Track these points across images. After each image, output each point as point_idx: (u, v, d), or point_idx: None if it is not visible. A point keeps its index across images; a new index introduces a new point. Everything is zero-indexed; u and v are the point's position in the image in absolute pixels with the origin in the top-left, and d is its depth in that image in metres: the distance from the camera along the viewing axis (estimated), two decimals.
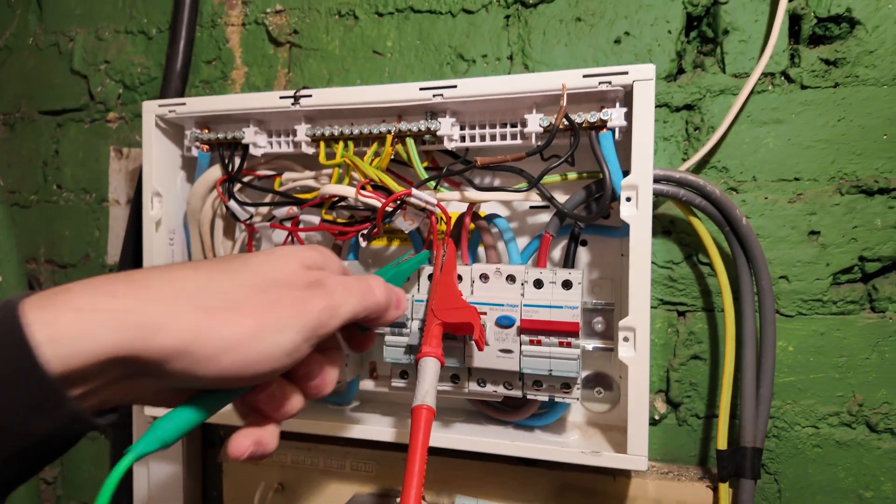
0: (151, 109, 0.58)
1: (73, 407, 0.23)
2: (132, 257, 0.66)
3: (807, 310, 0.52)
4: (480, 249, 0.56)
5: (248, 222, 0.58)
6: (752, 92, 0.53)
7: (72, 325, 0.23)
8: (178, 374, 0.25)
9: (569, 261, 0.53)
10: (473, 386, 0.50)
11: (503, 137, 0.51)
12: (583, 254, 0.55)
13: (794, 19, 0.53)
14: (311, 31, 0.65)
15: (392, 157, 0.53)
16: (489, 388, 0.49)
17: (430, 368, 0.41)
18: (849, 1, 0.51)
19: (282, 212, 0.57)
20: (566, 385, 0.48)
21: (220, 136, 0.57)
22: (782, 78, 0.53)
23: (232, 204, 0.57)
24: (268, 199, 0.58)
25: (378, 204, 0.50)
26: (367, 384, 0.56)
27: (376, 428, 0.53)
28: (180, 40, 0.67)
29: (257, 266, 0.30)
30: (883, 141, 0.51)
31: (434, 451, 0.53)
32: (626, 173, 0.46)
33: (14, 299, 0.23)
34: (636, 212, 0.44)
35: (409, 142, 0.52)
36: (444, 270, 0.48)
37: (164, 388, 0.28)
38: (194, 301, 0.26)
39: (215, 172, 0.58)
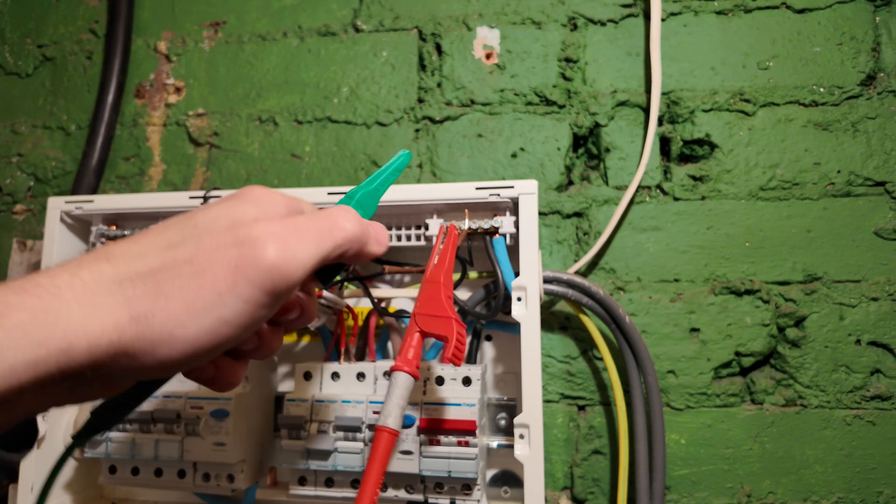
0: (57, 205, 0.57)
1: None
2: None
3: (694, 403, 0.56)
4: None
5: None
6: (631, 202, 0.59)
7: None
8: (109, 376, 0.23)
9: (472, 356, 0.55)
10: None
11: (408, 238, 0.54)
12: (489, 348, 0.57)
13: (665, 141, 0.61)
14: (231, 134, 0.68)
15: None
16: (390, 492, 0.48)
17: (399, 385, 0.37)
18: (708, 128, 0.60)
19: None
20: (467, 486, 0.47)
21: (127, 232, 0.57)
22: (657, 190, 0.60)
23: None
24: None
25: None
26: (266, 492, 0.54)
27: None
28: (98, 137, 0.68)
29: (182, 229, 0.25)
30: (746, 248, 0.57)
31: None
32: (518, 274, 0.49)
33: None
34: (525, 311, 0.47)
35: None
36: (437, 267, 0.43)
37: (96, 387, 0.25)
38: (111, 292, 0.23)
39: None
